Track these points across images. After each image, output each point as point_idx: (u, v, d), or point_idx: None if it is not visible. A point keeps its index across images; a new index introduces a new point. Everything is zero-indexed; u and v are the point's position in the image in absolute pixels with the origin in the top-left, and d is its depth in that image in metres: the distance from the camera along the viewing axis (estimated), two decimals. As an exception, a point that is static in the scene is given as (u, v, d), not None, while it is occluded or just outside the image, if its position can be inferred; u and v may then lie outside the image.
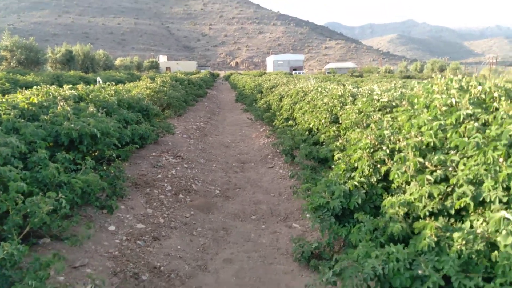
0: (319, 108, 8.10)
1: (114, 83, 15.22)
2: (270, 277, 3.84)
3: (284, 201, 6.38)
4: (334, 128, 6.84)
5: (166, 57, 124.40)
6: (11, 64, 35.46)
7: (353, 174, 4.33)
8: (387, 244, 3.36)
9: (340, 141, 5.90)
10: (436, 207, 3.14)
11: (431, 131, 3.61)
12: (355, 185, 4.14)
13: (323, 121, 7.41)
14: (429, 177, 3.26)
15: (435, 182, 3.27)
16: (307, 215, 4.40)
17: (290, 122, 10.60)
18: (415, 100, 4.48)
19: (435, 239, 2.81)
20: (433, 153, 3.57)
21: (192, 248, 4.39)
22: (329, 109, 7.62)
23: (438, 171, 3.33)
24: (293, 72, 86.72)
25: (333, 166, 5.64)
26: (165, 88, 14.25)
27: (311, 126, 7.87)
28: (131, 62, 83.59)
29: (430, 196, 3.24)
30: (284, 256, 4.30)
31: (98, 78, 9.27)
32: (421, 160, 3.43)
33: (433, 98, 4.05)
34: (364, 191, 4.10)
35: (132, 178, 6.17)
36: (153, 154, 7.91)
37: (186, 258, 4.12)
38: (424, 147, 3.70)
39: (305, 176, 6.26)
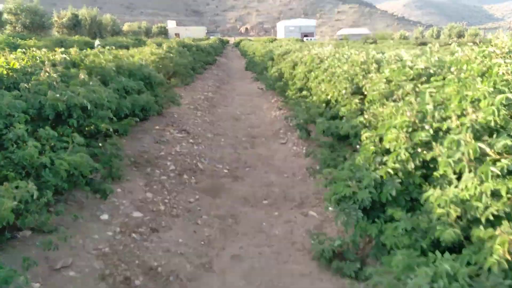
0: (338, 77, 7.27)
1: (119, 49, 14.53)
2: (284, 281, 3.27)
3: (299, 183, 5.76)
4: (357, 100, 6.06)
5: (175, 22, 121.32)
6: (16, 28, 34.55)
7: (385, 158, 3.64)
8: (429, 251, 2.73)
9: (366, 116, 5.15)
10: (503, 209, 2.45)
11: (493, 107, 2.85)
12: (388, 172, 3.46)
13: (343, 91, 6.61)
14: (494, 169, 2.55)
15: (501, 175, 2.57)
16: (330, 208, 3.76)
17: (304, 92, 9.79)
18: (465, 67, 3.67)
19: (509, 257, 2.15)
20: (494, 136, 2.83)
21: (196, 242, 3.82)
22: (349, 78, 6.81)
23: (503, 160, 2.61)
24: (304, 38, 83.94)
25: (357, 146, 4.95)
26: (171, 55, 13.39)
27: (329, 97, 7.09)
28: (139, 27, 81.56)
29: (494, 195, 2.55)
30: (301, 253, 3.71)
31: (97, 42, 8.51)
32: (482, 146, 2.70)
33: (492, 63, 3.24)
34: (399, 180, 3.43)
35: (131, 157, 5.58)
36: (157, 127, 7.28)
37: (188, 254, 3.57)
38: (481, 128, 2.96)
39: (323, 156, 5.58)
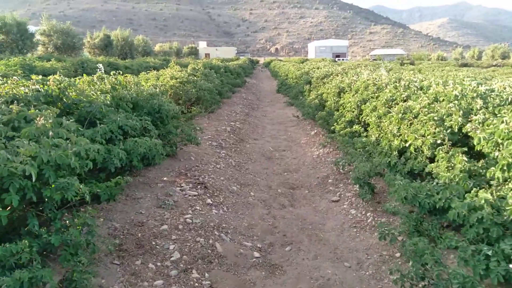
0: (417, 115, 5.19)
1: (152, 70, 13.07)
2: None
3: (370, 282, 3.65)
4: (464, 158, 3.92)
5: (206, 43, 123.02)
6: (48, 49, 34.72)
7: None
8: None
9: (494, 191, 3.03)
10: None
11: None
12: None
13: (430, 140, 4.51)
14: None
15: None
16: None
17: (357, 127, 7.72)
18: None
19: None
20: None
21: None
22: (437, 118, 4.71)
23: None
24: (336, 59, 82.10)
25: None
26: (195, 78, 11.76)
27: (407, 144, 4.98)
28: (170, 48, 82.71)
29: None
30: None
31: (99, 65, 6.82)
32: None
33: None
34: None
35: (116, 237, 3.68)
36: (164, 178, 5.40)
37: None
38: None
39: (415, 248, 3.46)
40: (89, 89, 5.14)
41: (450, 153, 4.11)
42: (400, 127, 5.40)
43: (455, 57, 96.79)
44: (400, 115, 5.55)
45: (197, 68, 13.61)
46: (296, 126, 11.73)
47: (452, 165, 4.02)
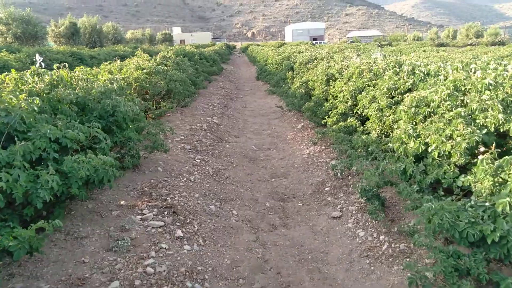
0: (440, 110, 4.15)
1: (118, 59, 11.60)
2: None
3: None
4: (521, 175, 2.90)
5: (180, 29, 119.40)
6: (7, 39, 32.08)
7: None
8: None
9: None
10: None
11: None
12: None
13: (464, 144, 3.48)
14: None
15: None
16: None
17: (352, 121, 6.69)
18: None
19: None
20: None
21: None
22: (465, 115, 3.69)
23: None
24: (314, 42, 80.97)
25: None
26: (165, 68, 10.41)
27: (429, 149, 3.92)
28: (143, 35, 79.43)
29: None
30: None
31: (37, 56, 5.45)
32: None
33: None
34: None
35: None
36: (122, 202, 4.21)
37: None
38: None
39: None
40: (7, 91, 3.83)
41: (497, 163, 3.08)
42: (416, 125, 4.36)
43: (430, 37, 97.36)
44: (412, 109, 4.50)
45: (167, 56, 12.21)
46: (280, 118, 10.61)
47: (502, 180, 3.00)
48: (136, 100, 6.10)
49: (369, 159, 5.14)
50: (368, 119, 6.59)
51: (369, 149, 5.21)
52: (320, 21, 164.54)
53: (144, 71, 9.23)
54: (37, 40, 33.93)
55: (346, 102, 7.18)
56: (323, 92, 8.64)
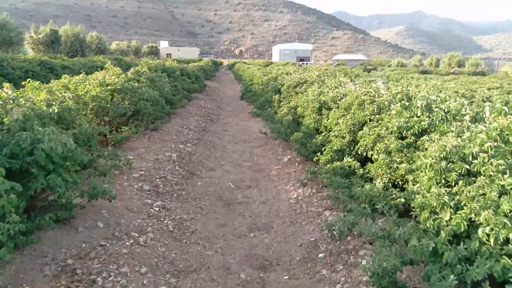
0: (486, 174, 3.00)
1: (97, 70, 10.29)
2: None
3: None
4: None
5: (167, 42, 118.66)
6: (-21, 43, 30.25)
7: None
8: None
9: None
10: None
11: None
12: None
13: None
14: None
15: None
16: None
17: (350, 161, 5.52)
18: None
19: None
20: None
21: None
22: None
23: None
24: (300, 62, 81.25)
25: None
26: (136, 84, 9.13)
27: (480, 231, 2.73)
28: (128, 46, 78.11)
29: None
30: None
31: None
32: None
33: None
34: None
35: None
36: None
37: None
38: None
39: None
40: None
41: None
42: (449, 187, 3.19)
43: (414, 64, 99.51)
44: (442, 163, 3.33)
45: (142, 71, 10.93)
46: (264, 147, 9.39)
47: None
48: (84, 127, 4.79)
49: (377, 221, 3.95)
50: (368, 158, 5.45)
51: (377, 206, 4.01)
52: (307, 43, 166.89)
53: (109, 87, 7.92)
54: (11, 46, 32.14)
55: (343, 138, 6.02)
56: (314, 122, 7.49)
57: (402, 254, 3.21)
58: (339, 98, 7.26)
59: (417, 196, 3.44)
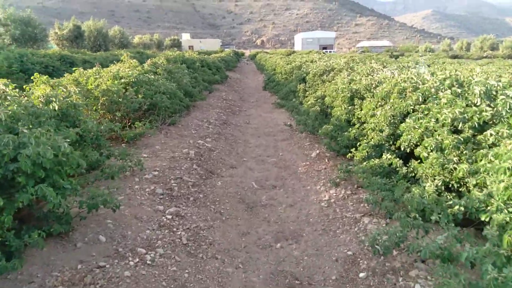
0: None
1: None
2: None
3: None
4: None
5: (189, 35, 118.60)
6: (5, 40, 30.71)
7: None
8: None
9: None
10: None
11: None
12: None
13: None
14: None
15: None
16: None
17: (391, 158, 4.77)
18: None
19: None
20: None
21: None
22: None
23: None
24: (323, 51, 79.43)
25: None
26: (152, 77, 8.61)
27: None
28: (151, 40, 78.50)
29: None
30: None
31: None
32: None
33: None
34: None
35: None
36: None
37: None
38: None
39: None
40: None
41: None
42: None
43: (443, 49, 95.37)
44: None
45: (159, 62, 10.40)
46: (289, 140, 8.70)
47: None
48: (89, 124, 4.27)
49: (431, 234, 3.22)
50: (411, 154, 4.68)
51: (432, 217, 3.27)
52: (330, 31, 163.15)
53: (122, 80, 7.43)
54: (36, 42, 32.55)
55: (381, 131, 5.26)
56: (345, 113, 6.73)
57: (474, 285, 2.49)
58: (373, 86, 6.46)
59: (489, 208, 2.69)
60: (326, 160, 6.72)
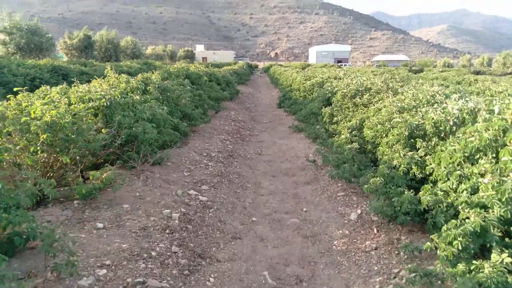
0: None
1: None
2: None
3: None
4: None
5: (203, 46, 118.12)
6: (9, 49, 29.54)
7: None
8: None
9: None
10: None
11: None
12: None
13: None
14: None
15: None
16: None
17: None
18: None
19: None
20: None
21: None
22: None
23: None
24: (338, 64, 77.35)
25: None
26: (136, 98, 6.61)
27: None
28: (164, 51, 77.78)
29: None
30: None
31: None
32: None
33: None
34: None
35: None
36: None
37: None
38: None
39: None
40: None
41: None
42: None
43: (463, 64, 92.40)
44: None
45: (151, 78, 8.40)
46: (314, 185, 6.54)
47: None
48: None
49: None
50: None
51: None
52: (344, 44, 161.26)
53: (91, 104, 5.43)
54: (42, 51, 31.29)
55: (483, 209, 3.07)
56: (406, 163, 4.54)
57: None
58: (450, 124, 4.28)
59: None
60: (375, 230, 4.53)
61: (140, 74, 8.48)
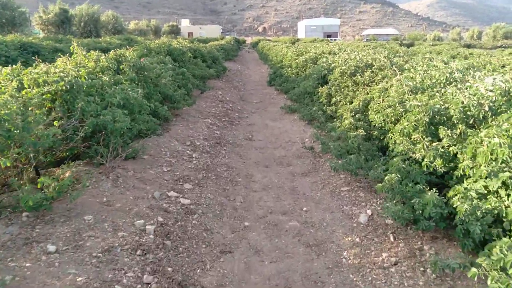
0: None
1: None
2: None
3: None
4: None
5: (189, 21, 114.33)
6: (-21, 25, 27.55)
7: None
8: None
9: None
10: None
11: None
12: None
13: None
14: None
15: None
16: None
17: None
18: None
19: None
20: None
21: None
22: None
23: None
24: (328, 39, 75.67)
25: None
26: (105, 79, 5.64)
27: None
28: (148, 26, 74.88)
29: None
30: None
31: None
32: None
33: None
34: None
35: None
36: None
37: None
38: None
39: None
40: None
41: None
42: None
43: (453, 38, 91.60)
44: None
45: (125, 56, 7.36)
46: (314, 176, 5.77)
47: None
48: None
49: None
50: None
51: None
52: (333, 18, 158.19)
53: (46, 88, 4.48)
54: (15, 27, 29.31)
55: None
56: (432, 156, 3.76)
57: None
58: (485, 109, 3.49)
59: None
60: (391, 238, 3.79)
61: (112, 51, 7.43)
